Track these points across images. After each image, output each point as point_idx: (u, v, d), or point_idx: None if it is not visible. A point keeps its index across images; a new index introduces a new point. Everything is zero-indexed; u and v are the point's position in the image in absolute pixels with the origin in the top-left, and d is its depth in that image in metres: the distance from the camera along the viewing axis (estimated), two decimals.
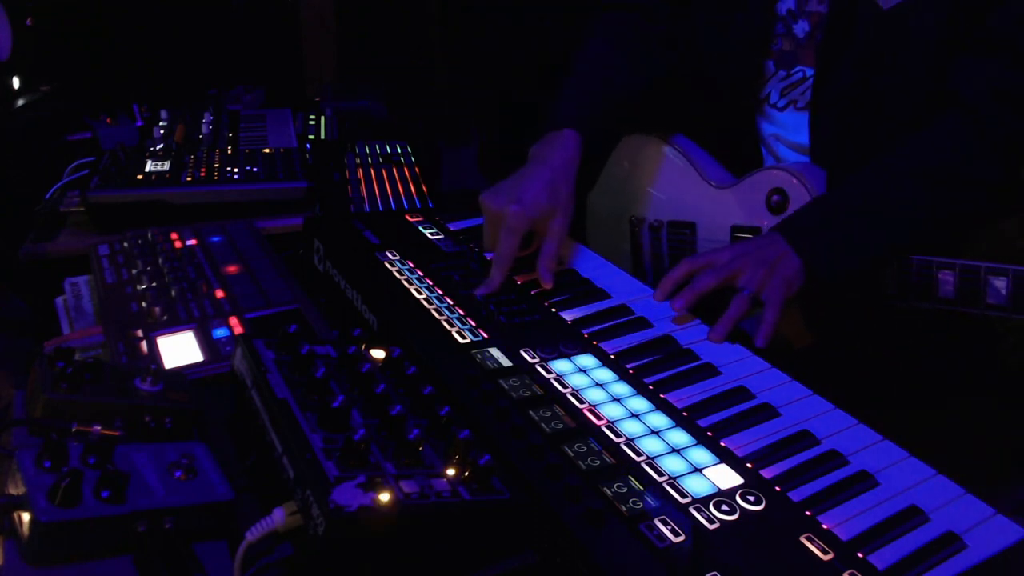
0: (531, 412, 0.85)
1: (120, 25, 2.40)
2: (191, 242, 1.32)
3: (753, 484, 0.78)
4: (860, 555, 0.70)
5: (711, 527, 0.72)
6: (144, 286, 1.15)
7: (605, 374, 0.94)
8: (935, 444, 0.86)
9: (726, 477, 0.78)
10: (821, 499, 0.76)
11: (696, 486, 0.77)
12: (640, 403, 0.89)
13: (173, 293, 1.14)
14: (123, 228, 1.40)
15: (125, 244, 1.30)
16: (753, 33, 1.37)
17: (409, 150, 1.99)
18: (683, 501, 0.75)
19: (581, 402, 0.88)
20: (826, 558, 0.69)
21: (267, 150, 1.79)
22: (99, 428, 0.75)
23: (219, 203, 1.58)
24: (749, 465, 0.80)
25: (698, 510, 0.73)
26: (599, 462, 0.78)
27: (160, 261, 1.23)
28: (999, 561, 0.71)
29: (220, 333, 1.06)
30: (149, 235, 1.31)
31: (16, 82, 1.93)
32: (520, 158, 1.28)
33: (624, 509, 0.72)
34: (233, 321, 1.09)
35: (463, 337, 0.99)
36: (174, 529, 0.68)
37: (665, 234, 1.48)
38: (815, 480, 0.79)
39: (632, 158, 1.53)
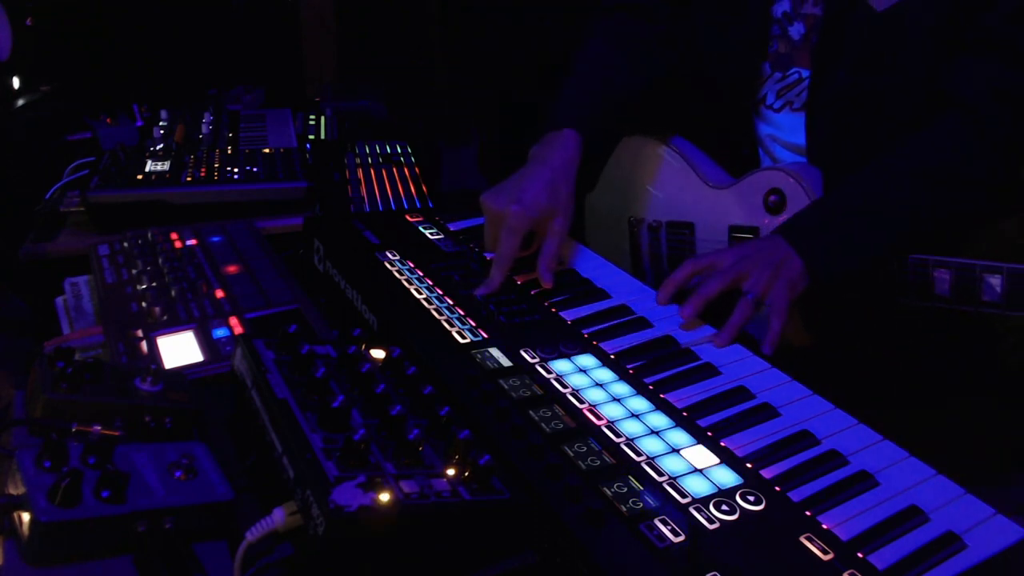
0: (531, 412, 0.85)
1: (120, 25, 2.40)
2: (191, 242, 1.32)
3: (753, 484, 0.78)
4: (860, 555, 0.70)
5: (711, 527, 0.72)
6: (144, 286, 1.15)
7: (605, 374, 0.94)
8: (935, 444, 0.86)
9: (726, 477, 0.78)
10: (821, 499, 0.76)
11: (696, 486, 0.77)
12: (640, 403, 0.89)
13: (173, 293, 1.14)
14: (123, 228, 1.40)
15: (125, 244, 1.30)
16: (749, 35, 1.37)
17: (409, 150, 1.99)
18: (683, 501, 0.75)
19: (581, 402, 0.88)
20: (826, 558, 0.69)
21: (267, 150, 1.79)
22: (99, 428, 0.75)
23: (219, 203, 1.58)
24: (749, 465, 0.80)
25: (698, 510, 0.73)
26: (599, 462, 0.78)
27: (160, 261, 1.23)
28: (999, 561, 0.71)
29: (220, 333, 1.06)
30: (149, 235, 1.31)
31: (16, 82, 1.93)
32: (520, 158, 1.28)
33: (624, 509, 0.72)
34: (233, 321, 1.09)
35: (463, 337, 0.99)
36: (174, 529, 0.68)
37: (664, 234, 1.49)
38: (815, 480, 0.79)
39: (631, 159, 1.53)
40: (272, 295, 1.17)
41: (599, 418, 0.85)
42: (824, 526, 0.73)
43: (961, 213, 1.22)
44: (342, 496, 0.64)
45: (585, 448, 0.80)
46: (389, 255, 1.21)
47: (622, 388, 0.91)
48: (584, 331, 1.03)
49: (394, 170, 1.85)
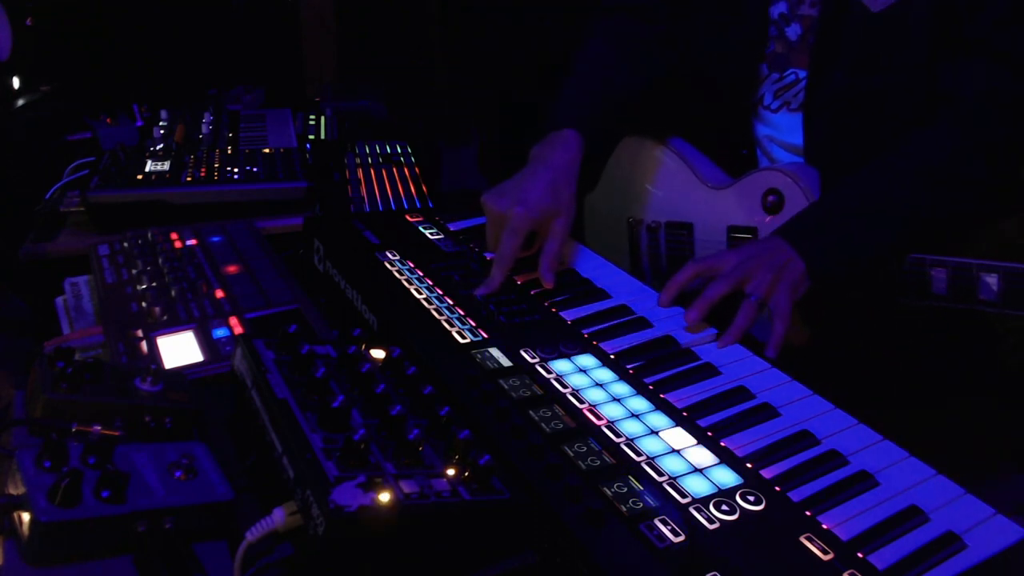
0: (531, 412, 0.85)
1: (120, 25, 2.40)
2: (191, 242, 1.32)
3: (753, 484, 0.78)
4: (860, 555, 0.70)
5: (711, 527, 0.72)
6: (144, 286, 1.15)
7: (605, 374, 0.94)
8: (935, 444, 0.86)
9: (726, 477, 0.78)
10: (821, 499, 0.76)
11: (696, 486, 0.77)
12: (640, 403, 0.89)
13: (173, 293, 1.14)
14: (123, 228, 1.40)
15: (125, 244, 1.30)
16: (747, 36, 1.38)
17: (409, 150, 1.99)
18: (683, 501, 0.75)
19: (581, 402, 0.88)
20: (826, 558, 0.69)
21: (267, 150, 1.79)
22: (99, 428, 0.75)
23: (219, 203, 1.58)
24: (749, 465, 0.80)
25: (698, 510, 0.73)
26: (599, 462, 0.78)
27: (160, 261, 1.23)
28: (999, 561, 0.71)
29: (220, 333, 1.06)
30: (149, 235, 1.31)
31: (16, 82, 1.93)
32: (520, 158, 1.28)
33: (624, 509, 0.72)
34: (233, 321, 1.09)
35: (463, 337, 0.99)
36: (174, 529, 0.68)
37: (663, 235, 1.49)
38: (815, 480, 0.79)
39: (630, 160, 1.53)
40: (272, 295, 1.17)
41: (599, 418, 0.85)
42: (824, 526, 0.73)
43: (960, 213, 1.23)
44: (342, 496, 0.64)
45: (585, 448, 0.80)
46: (389, 255, 1.21)
47: (622, 388, 0.91)
48: (584, 331, 1.03)
49: (394, 170, 1.85)
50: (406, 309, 1.06)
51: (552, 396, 0.88)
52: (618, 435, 0.83)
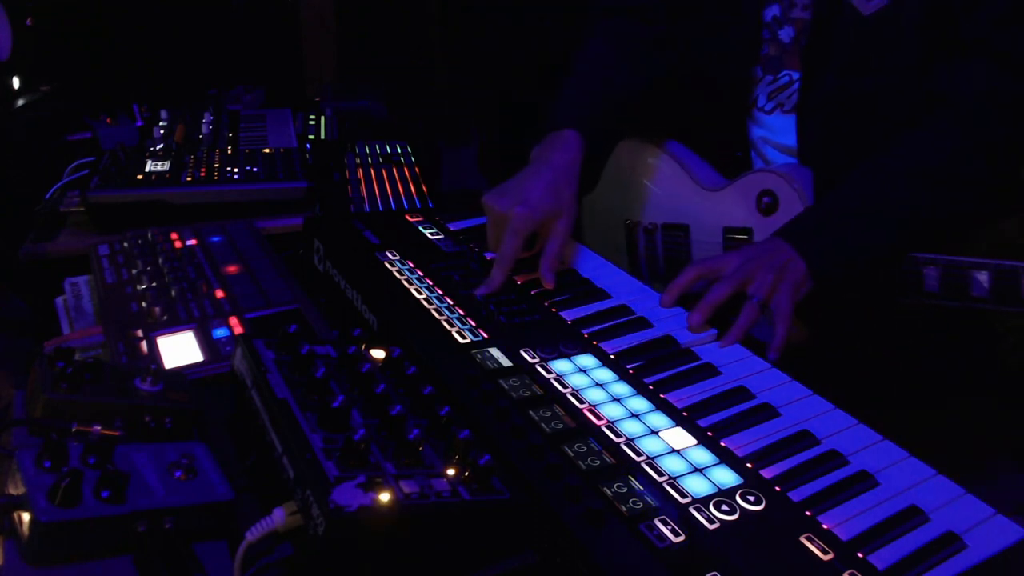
0: (531, 412, 0.85)
1: (120, 25, 2.40)
2: (191, 242, 1.32)
3: (753, 484, 0.78)
4: (860, 555, 0.70)
5: (711, 527, 0.72)
6: (144, 286, 1.15)
7: (605, 374, 0.94)
8: (935, 444, 0.86)
9: (726, 477, 0.78)
10: (821, 499, 0.76)
11: (696, 486, 0.77)
12: (640, 403, 0.89)
13: (173, 293, 1.14)
14: (123, 228, 1.40)
15: (125, 244, 1.30)
16: (741, 39, 1.39)
17: (409, 150, 1.99)
18: (683, 501, 0.75)
19: (581, 402, 0.88)
20: (826, 558, 0.69)
21: (267, 150, 1.79)
22: (99, 428, 0.75)
23: (219, 203, 1.58)
24: (749, 465, 0.80)
25: (698, 510, 0.73)
26: (599, 462, 0.78)
27: (160, 261, 1.23)
28: (999, 561, 0.71)
29: (220, 333, 1.06)
30: (149, 235, 1.31)
31: (16, 82, 1.93)
32: (520, 158, 1.28)
33: (624, 509, 0.72)
34: (233, 321, 1.09)
35: (463, 337, 0.99)
36: (174, 529, 0.68)
37: (660, 237, 1.50)
38: (815, 480, 0.79)
39: (627, 163, 1.55)
40: (272, 295, 1.17)
41: (599, 418, 0.85)
42: (824, 526, 0.73)
43: (960, 213, 1.23)
44: (342, 496, 0.64)
45: (585, 448, 0.80)
46: (389, 255, 1.21)
47: (622, 388, 0.91)
48: (584, 331, 1.03)
49: (394, 170, 1.85)
50: (406, 309, 1.06)
51: (552, 396, 0.88)
52: (618, 435, 0.83)
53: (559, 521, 0.71)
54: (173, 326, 1.07)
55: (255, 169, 1.66)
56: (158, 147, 1.79)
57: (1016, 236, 1.27)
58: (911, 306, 1.26)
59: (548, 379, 0.92)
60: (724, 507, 0.74)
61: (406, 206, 1.69)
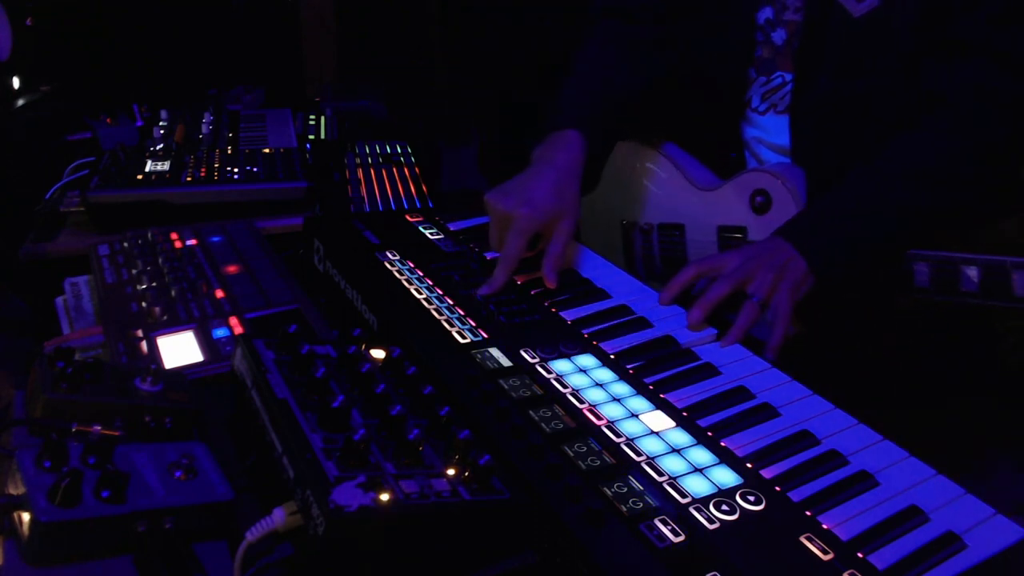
0: (531, 412, 0.85)
1: (120, 25, 2.40)
2: (191, 242, 1.32)
3: (753, 484, 0.78)
4: (860, 555, 0.70)
5: (711, 527, 0.72)
6: (144, 286, 1.15)
7: (605, 374, 0.94)
8: (935, 444, 0.86)
9: (726, 477, 0.78)
10: (821, 499, 0.76)
11: (696, 486, 0.77)
12: (640, 403, 0.89)
13: (173, 293, 1.14)
14: (123, 228, 1.40)
15: (125, 244, 1.30)
16: (734, 41, 1.40)
17: (409, 150, 1.99)
18: (683, 501, 0.75)
19: (581, 402, 0.88)
20: (826, 558, 0.69)
21: (267, 150, 1.79)
22: (99, 428, 0.75)
23: (219, 203, 1.58)
24: (749, 465, 0.80)
25: (698, 510, 0.73)
26: (599, 462, 0.78)
27: (160, 261, 1.23)
28: (999, 561, 0.71)
29: (220, 333, 1.06)
30: (149, 235, 1.31)
31: (16, 82, 1.93)
32: (520, 158, 1.28)
33: (624, 509, 0.72)
34: (233, 321, 1.09)
35: (463, 337, 0.99)
36: (174, 529, 0.68)
37: (655, 236, 1.51)
38: (815, 480, 0.79)
39: (624, 164, 1.56)
40: (272, 295, 1.17)
41: (599, 418, 0.85)
42: (824, 526, 0.73)
43: (959, 212, 1.23)
44: (342, 496, 0.64)
45: (585, 448, 0.80)
46: (389, 255, 1.21)
47: (622, 388, 0.91)
48: (584, 331, 1.03)
49: (394, 170, 1.85)
50: (406, 309, 1.06)
51: (552, 396, 0.88)
52: (618, 435, 0.83)
53: (559, 521, 0.71)
54: (173, 326, 1.07)
55: (255, 169, 1.66)
56: (158, 147, 1.79)
57: (1016, 236, 1.27)
58: (911, 306, 1.26)
59: (548, 379, 0.92)
60: (724, 507, 0.74)
61: (406, 206, 1.69)
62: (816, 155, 1.34)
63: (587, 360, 0.96)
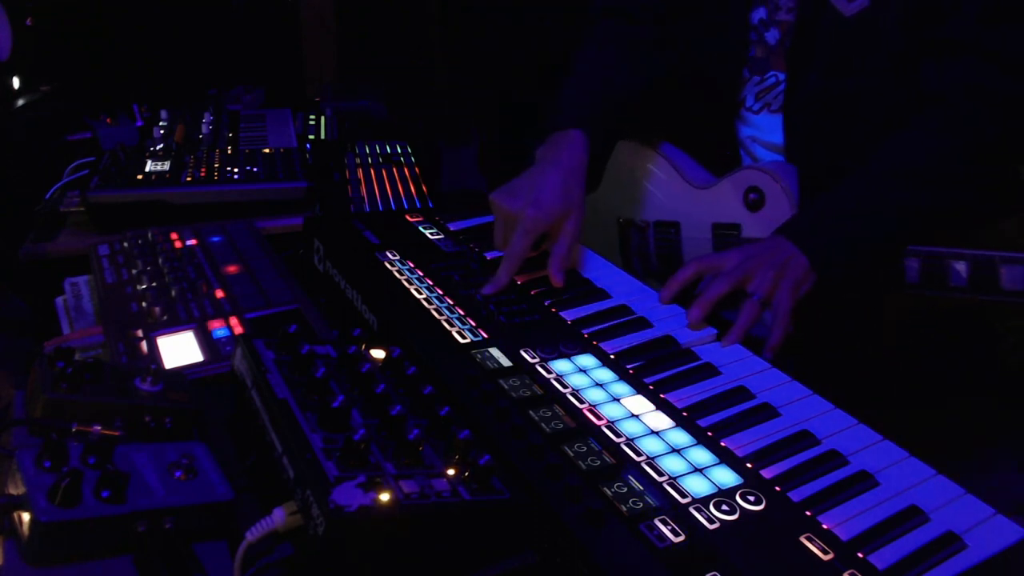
0: (531, 412, 0.85)
1: (120, 25, 2.40)
2: (191, 242, 1.32)
3: (753, 484, 0.78)
4: (860, 555, 0.70)
5: (711, 527, 0.72)
6: (144, 286, 1.15)
7: (605, 374, 0.94)
8: (935, 444, 0.86)
9: (726, 477, 0.78)
10: (821, 499, 0.76)
11: (696, 486, 0.77)
12: (640, 403, 0.89)
13: (173, 293, 1.14)
14: (123, 228, 1.40)
15: (125, 244, 1.30)
16: (729, 41, 1.41)
17: (409, 150, 1.99)
18: (683, 501, 0.75)
19: (581, 402, 0.88)
20: (826, 558, 0.69)
21: (267, 150, 1.79)
22: (99, 428, 0.75)
23: (219, 203, 1.58)
24: (749, 465, 0.80)
25: (698, 510, 0.73)
26: (599, 462, 0.78)
27: (160, 261, 1.23)
28: (999, 561, 0.71)
29: (220, 333, 1.06)
30: (149, 235, 1.31)
31: (16, 82, 1.93)
32: (520, 158, 1.29)
33: (624, 509, 0.72)
34: (233, 321, 1.09)
35: (463, 337, 0.99)
36: (174, 529, 0.68)
37: (651, 234, 1.52)
38: (815, 480, 0.79)
39: (620, 163, 1.57)
40: (272, 295, 1.17)
41: (599, 418, 0.85)
42: (824, 526, 0.73)
43: (955, 210, 1.24)
44: (342, 496, 0.64)
45: (585, 448, 0.80)
46: (389, 255, 1.21)
47: (622, 388, 0.91)
48: (584, 331, 1.03)
49: (394, 170, 1.85)
50: (406, 309, 1.06)
51: (552, 396, 0.88)
52: (618, 435, 0.83)
53: (559, 521, 0.71)
54: (173, 326, 1.07)
55: (255, 169, 1.66)
56: (158, 147, 1.79)
57: (1016, 235, 1.27)
58: (910, 305, 1.26)
59: (548, 379, 0.92)
60: (724, 507, 0.74)
61: (406, 206, 1.69)
62: (808, 153, 1.36)
63: (587, 360, 0.96)
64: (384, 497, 0.65)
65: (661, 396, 0.91)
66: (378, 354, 0.91)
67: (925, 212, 1.21)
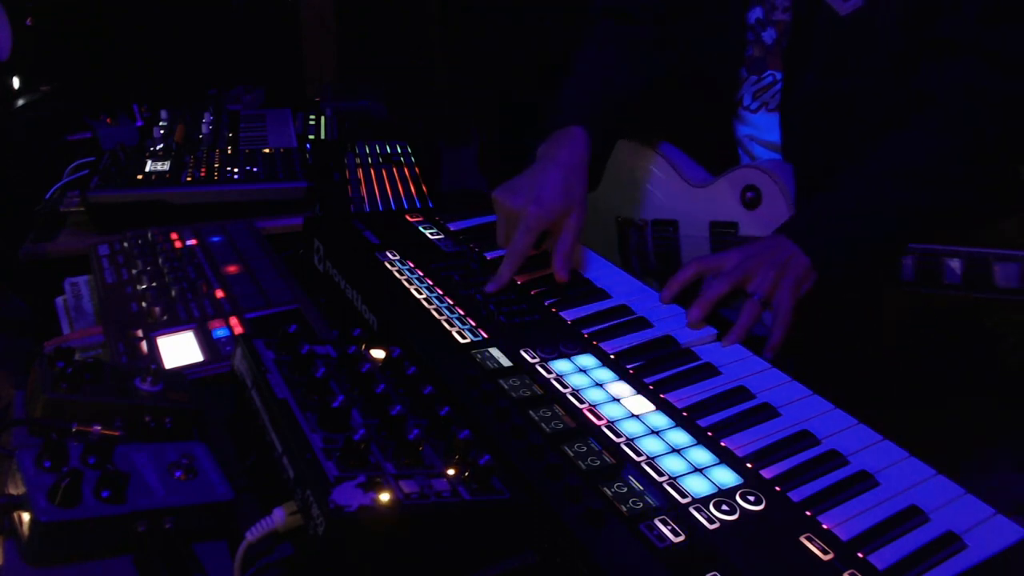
0: (531, 412, 0.85)
1: (120, 25, 2.40)
2: (191, 242, 1.32)
3: (753, 484, 0.78)
4: (860, 555, 0.70)
5: (711, 527, 0.72)
6: (144, 286, 1.15)
7: (605, 374, 0.94)
8: (935, 444, 0.86)
9: (726, 477, 0.78)
10: (821, 499, 0.76)
11: (696, 486, 0.77)
12: (640, 403, 0.89)
13: (173, 293, 1.14)
14: (123, 228, 1.40)
15: (125, 244, 1.30)
16: (726, 41, 1.41)
17: (409, 150, 1.99)
18: (683, 501, 0.75)
19: (581, 402, 0.88)
20: (826, 558, 0.69)
21: (267, 150, 1.79)
22: (99, 428, 0.75)
23: (219, 203, 1.58)
24: (749, 465, 0.80)
25: (698, 510, 0.73)
26: (599, 462, 0.78)
27: (160, 261, 1.23)
28: (999, 561, 0.71)
29: (220, 333, 1.06)
30: (149, 235, 1.31)
31: (16, 82, 1.93)
32: (520, 158, 1.29)
33: (624, 509, 0.72)
34: (233, 321, 1.09)
35: (463, 337, 0.99)
36: (174, 529, 0.68)
37: (649, 232, 1.53)
38: (815, 480, 0.79)
39: (619, 162, 1.58)
40: (272, 295, 1.17)
41: (599, 418, 0.85)
42: (824, 526, 0.73)
43: (954, 210, 1.24)
44: (342, 496, 0.64)
45: (585, 448, 0.80)
46: (389, 255, 1.21)
47: (622, 388, 0.91)
48: (584, 331, 1.03)
49: (394, 170, 1.85)
50: (406, 309, 1.06)
51: (552, 396, 0.88)
52: (618, 435, 0.83)
53: (559, 521, 0.71)
54: (173, 326, 1.07)
55: (255, 169, 1.66)
56: (158, 147, 1.79)
57: (1016, 236, 1.27)
58: (910, 306, 1.26)
59: (548, 379, 0.92)
60: (724, 507, 0.74)
61: (406, 206, 1.69)
62: (805, 152, 1.36)
63: (587, 360, 0.96)
64: (384, 497, 0.65)
65: (661, 396, 0.91)
66: (378, 354, 0.91)
67: (925, 212, 1.21)
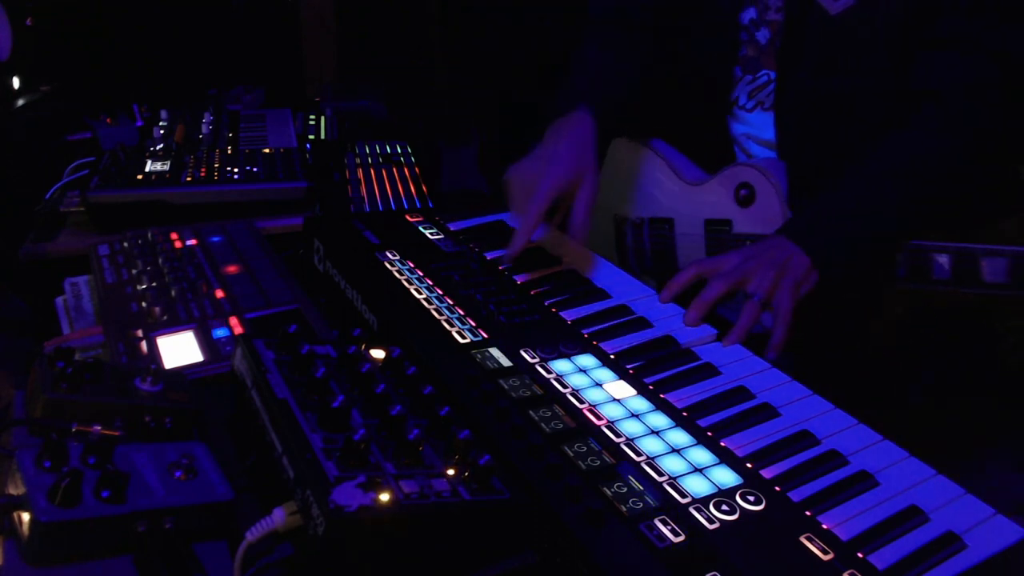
0: (531, 412, 0.85)
1: (120, 25, 2.40)
2: (191, 242, 1.32)
3: (753, 484, 0.78)
4: (860, 555, 0.70)
5: (711, 527, 0.72)
6: (144, 286, 1.15)
7: (605, 374, 0.94)
8: (935, 444, 0.86)
9: (726, 477, 0.78)
10: (821, 499, 0.76)
11: (696, 486, 0.77)
12: (640, 403, 0.89)
13: (173, 293, 1.14)
14: (123, 228, 1.40)
15: (125, 244, 1.30)
16: (720, 41, 1.42)
17: (409, 150, 1.99)
18: (683, 501, 0.75)
19: (581, 402, 0.88)
20: (826, 558, 0.69)
21: (267, 150, 1.79)
22: (99, 428, 0.75)
23: (219, 203, 1.58)
24: (749, 465, 0.80)
25: (698, 510, 0.73)
26: (599, 462, 0.78)
27: (160, 261, 1.23)
28: (999, 561, 0.71)
29: (220, 333, 1.06)
30: (149, 235, 1.31)
31: (16, 82, 1.93)
32: (520, 158, 1.28)
33: (624, 509, 0.72)
34: (233, 321, 1.09)
35: (463, 337, 0.99)
36: (174, 529, 0.68)
37: (646, 230, 1.54)
38: (815, 480, 0.79)
39: (615, 161, 1.59)
40: (272, 295, 1.17)
41: (599, 418, 0.85)
42: (824, 526, 0.73)
43: (955, 209, 1.24)
44: (342, 496, 0.64)
45: (585, 448, 0.80)
46: (389, 255, 1.21)
47: (622, 388, 0.91)
48: (584, 331, 1.03)
49: (394, 170, 1.85)
50: (406, 309, 1.06)
51: (552, 396, 0.88)
52: (618, 435, 0.83)
53: (559, 521, 0.71)
54: (173, 326, 1.07)
55: (255, 169, 1.66)
56: (158, 147, 1.79)
57: (1016, 236, 1.27)
58: (910, 306, 1.27)
59: (548, 379, 0.92)
60: (724, 507, 0.74)
61: (406, 206, 1.69)
62: (799, 150, 1.37)
63: (587, 360, 0.96)
64: (384, 497, 0.65)
65: (661, 396, 0.91)
66: (378, 354, 0.91)
67: (925, 211, 1.21)
